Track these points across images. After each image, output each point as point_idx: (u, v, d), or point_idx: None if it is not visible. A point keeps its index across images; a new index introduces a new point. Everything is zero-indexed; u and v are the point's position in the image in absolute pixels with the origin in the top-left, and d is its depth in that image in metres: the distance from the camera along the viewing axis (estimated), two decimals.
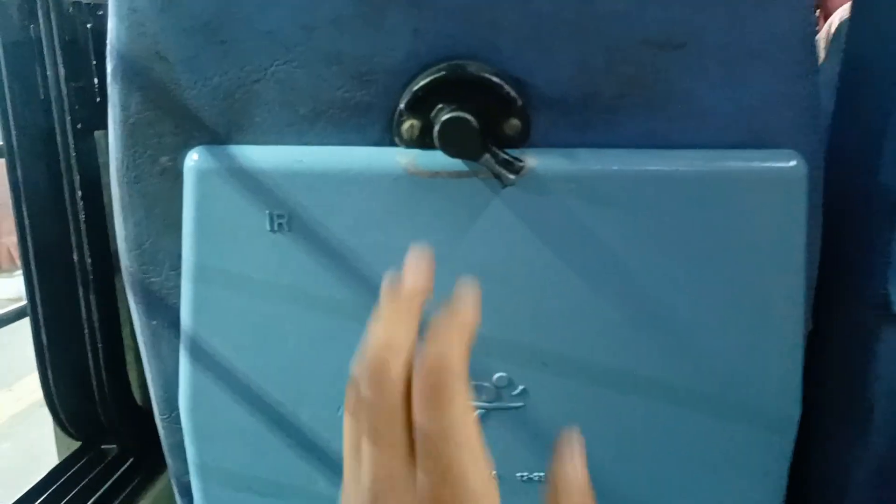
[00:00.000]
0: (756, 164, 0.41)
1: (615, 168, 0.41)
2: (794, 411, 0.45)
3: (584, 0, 0.40)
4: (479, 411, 0.45)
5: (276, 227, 0.42)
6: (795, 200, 0.42)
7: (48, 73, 0.58)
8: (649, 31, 0.40)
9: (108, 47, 0.41)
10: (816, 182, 0.44)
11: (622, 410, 0.45)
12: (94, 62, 0.59)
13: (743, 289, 0.43)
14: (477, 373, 0.45)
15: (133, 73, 0.41)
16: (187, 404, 0.46)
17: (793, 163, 0.41)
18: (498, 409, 0.45)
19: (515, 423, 0.46)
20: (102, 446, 0.66)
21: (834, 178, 0.47)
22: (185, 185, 0.42)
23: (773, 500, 0.48)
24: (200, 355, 0.44)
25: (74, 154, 0.59)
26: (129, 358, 0.64)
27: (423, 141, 0.41)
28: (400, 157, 0.41)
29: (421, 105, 0.40)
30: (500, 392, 0.45)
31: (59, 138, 0.59)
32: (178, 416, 0.47)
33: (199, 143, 0.42)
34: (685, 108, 0.42)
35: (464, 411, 0.25)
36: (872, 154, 0.47)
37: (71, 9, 0.59)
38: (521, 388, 0.45)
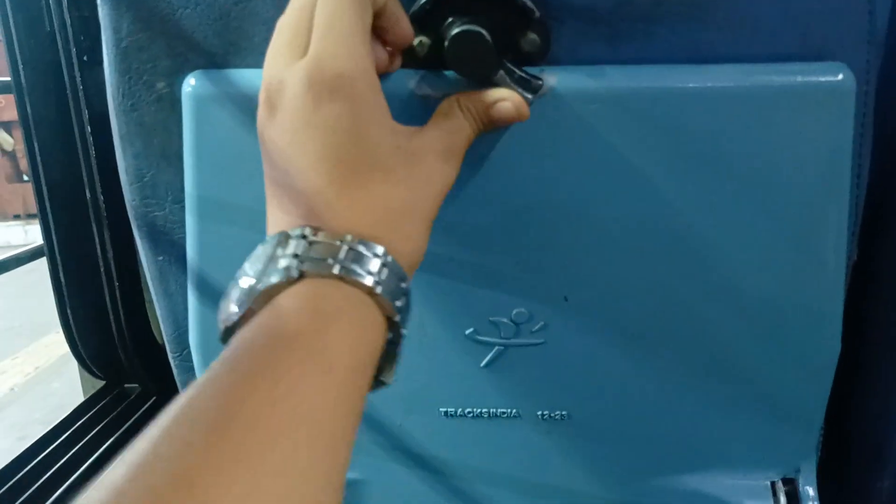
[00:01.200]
0: (799, 78, 0.38)
1: (644, 85, 0.38)
2: (834, 347, 0.42)
3: None
4: (497, 348, 0.43)
5: None
6: (842, 117, 0.38)
7: (52, 4, 0.56)
8: None
9: None
10: (867, 99, 0.40)
11: (649, 346, 0.43)
12: None
13: (783, 213, 0.40)
14: (496, 308, 0.43)
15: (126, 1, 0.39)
16: (198, 341, 0.45)
17: (840, 76, 0.37)
18: (517, 346, 0.43)
19: (535, 360, 0.44)
20: (125, 385, 0.66)
21: (887, 97, 0.43)
22: (184, 111, 0.40)
23: (809, 439, 0.45)
24: (208, 290, 0.43)
25: (81, 87, 0.57)
26: (148, 297, 0.63)
27: (433, 58, 0.38)
28: (408, 78, 0.38)
29: (430, 19, 0.37)
30: (520, 328, 0.43)
31: (65, 71, 0.57)
32: (189, 353, 0.46)
33: (196, 68, 0.40)
34: (728, 17, 0.38)
35: None
36: None
37: None
38: (541, 323, 0.43)
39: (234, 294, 0.28)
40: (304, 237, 0.29)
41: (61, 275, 0.60)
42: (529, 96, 0.37)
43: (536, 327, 0.43)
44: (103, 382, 0.66)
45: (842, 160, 0.39)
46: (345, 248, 0.28)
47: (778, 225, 0.40)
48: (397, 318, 0.29)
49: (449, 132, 0.35)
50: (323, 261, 0.28)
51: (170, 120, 0.41)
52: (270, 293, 0.27)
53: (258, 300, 0.27)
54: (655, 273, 0.41)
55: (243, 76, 0.39)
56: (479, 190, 0.40)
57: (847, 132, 0.38)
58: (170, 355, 0.49)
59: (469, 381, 0.45)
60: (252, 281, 0.28)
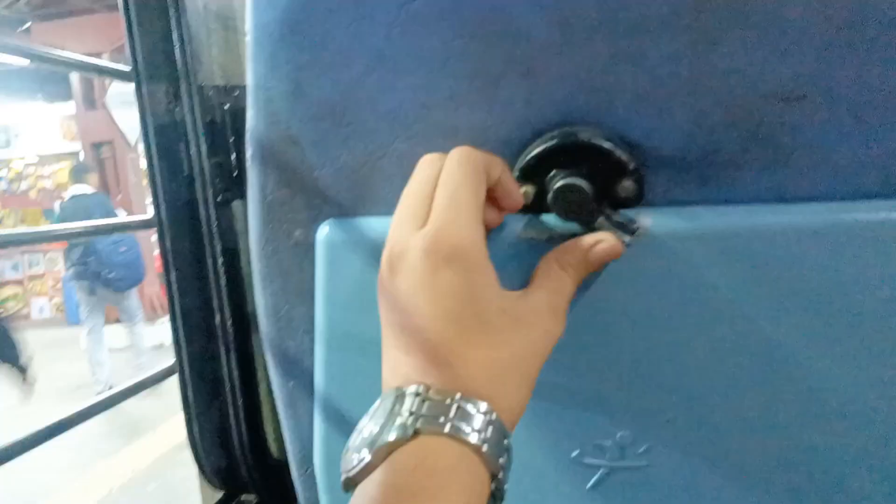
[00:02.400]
0: (879, 214, 0.40)
1: (735, 224, 0.41)
2: None
3: (701, 58, 0.40)
4: (601, 470, 0.45)
5: None
6: None
7: (191, 150, 0.64)
8: (770, 85, 0.40)
9: (248, 134, 0.45)
10: None
11: (751, 473, 0.44)
12: (231, 139, 0.65)
13: (878, 343, 0.41)
14: (601, 431, 0.45)
15: (269, 156, 0.45)
16: (322, 461, 0.48)
17: None
18: (622, 469, 0.45)
19: (640, 482, 0.45)
20: (242, 496, 0.70)
21: None
22: (317, 255, 0.45)
23: None
24: (333, 415, 0.47)
25: (216, 224, 0.64)
26: (266, 414, 0.68)
27: (538, 206, 0.42)
28: (515, 223, 0.43)
29: (534, 171, 0.42)
30: (624, 451, 0.45)
31: (201, 209, 0.64)
32: (313, 472, 0.49)
33: (329, 216, 0.45)
34: (811, 159, 0.41)
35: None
36: None
37: (211, 92, 0.64)
38: (645, 446, 0.45)
39: (356, 446, 0.32)
40: (418, 394, 0.32)
41: (189, 393, 0.65)
42: (627, 238, 0.41)
43: (641, 450, 0.45)
44: (222, 493, 0.70)
45: None
46: (455, 406, 0.32)
47: (875, 351, 0.41)
48: (500, 474, 0.32)
49: (552, 292, 0.38)
50: (435, 419, 0.31)
51: (304, 262, 0.46)
52: (389, 449, 0.31)
53: (378, 454, 0.31)
54: (751, 402, 0.43)
55: (369, 224, 0.44)
56: (584, 325, 0.43)
57: None
58: (294, 472, 0.52)
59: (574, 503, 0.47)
60: (373, 436, 0.32)
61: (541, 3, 0.40)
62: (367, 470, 0.31)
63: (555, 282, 0.39)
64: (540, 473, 0.46)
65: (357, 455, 0.32)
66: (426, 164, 0.40)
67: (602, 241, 0.40)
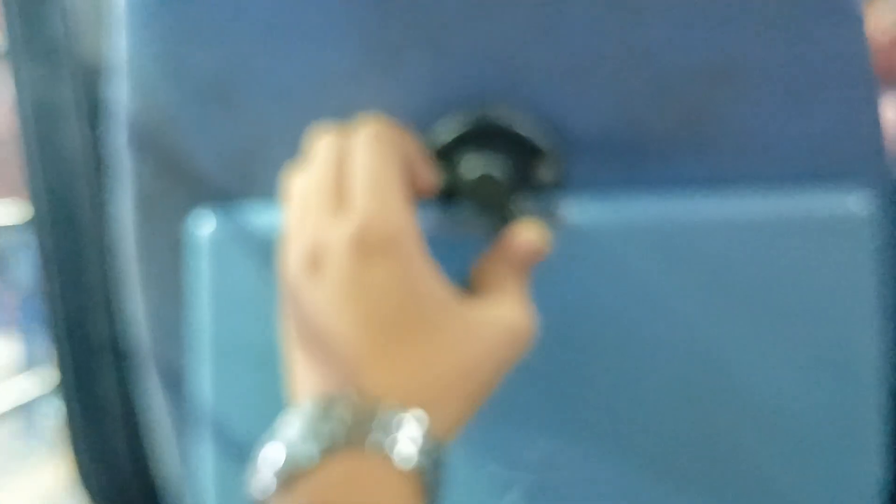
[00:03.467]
0: (816, 204, 0.37)
1: (658, 214, 0.38)
2: (876, 482, 0.40)
3: (624, 30, 0.36)
4: (521, 483, 0.41)
5: None
6: (860, 241, 0.37)
7: (73, 138, 0.58)
8: (698, 60, 0.37)
9: (116, 118, 0.40)
10: (886, 219, 0.39)
11: (680, 480, 0.41)
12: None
13: (811, 341, 0.38)
14: (520, 442, 0.41)
15: (145, 141, 0.39)
16: (211, 482, 0.43)
17: (854, 199, 0.37)
18: (541, 484, 0.41)
19: (561, 494, 0.41)
20: None
21: None
22: (191, 249, 0.39)
23: None
24: (226, 437, 0.41)
25: (98, 221, 0.58)
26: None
27: (447, 192, 0.38)
28: (421, 212, 0.38)
29: (443, 157, 0.37)
30: (546, 462, 0.41)
31: (83, 203, 0.58)
32: (195, 496, 0.44)
33: (212, 206, 0.40)
34: (741, 141, 0.38)
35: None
36: None
37: (96, 72, 0.58)
38: (566, 459, 0.41)
39: (266, 466, 0.27)
40: (334, 407, 0.28)
41: (72, 410, 0.59)
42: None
43: (563, 460, 0.41)
44: None
45: (866, 283, 0.38)
46: (380, 419, 0.27)
47: (807, 354, 0.38)
48: (433, 494, 0.29)
49: (514, 295, 0.34)
50: (355, 434, 0.27)
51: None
52: (301, 472, 0.27)
53: (288, 480, 0.27)
54: (682, 404, 0.39)
55: (256, 212, 0.39)
56: None
57: (866, 255, 0.37)
58: (182, 494, 0.47)
59: None
60: (283, 454, 0.27)
61: None
62: (277, 497, 0.27)
63: (513, 284, 0.34)
64: (459, 487, 0.42)
65: (266, 478, 0.27)
66: (328, 140, 0.35)
67: (530, 236, 0.36)
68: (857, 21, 0.38)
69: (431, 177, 0.36)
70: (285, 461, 0.27)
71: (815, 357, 0.38)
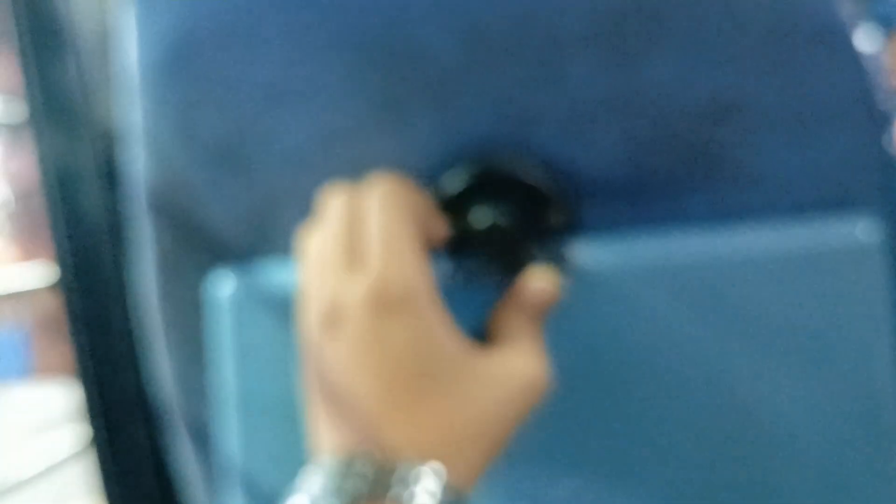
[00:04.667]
0: (825, 235, 0.37)
1: (668, 254, 0.38)
2: None
3: (623, 74, 0.37)
4: None
5: None
6: (871, 271, 0.37)
7: (93, 200, 0.59)
8: (697, 101, 0.37)
9: (134, 183, 0.41)
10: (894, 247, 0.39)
11: None
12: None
13: (830, 373, 0.38)
14: (543, 483, 0.41)
15: (162, 206, 0.40)
16: None
17: (866, 228, 0.37)
18: None
19: None
20: None
21: None
22: (210, 309, 0.40)
23: None
24: (253, 485, 0.42)
25: (123, 283, 0.59)
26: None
27: (457, 244, 0.38)
28: (433, 267, 0.39)
29: (452, 207, 0.38)
30: (572, 501, 0.41)
31: (106, 263, 0.59)
32: None
33: (229, 265, 0.41)
34: (745, 177, 0.38)
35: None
36: None
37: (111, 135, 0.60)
38: (591, 498, 0.41)
39: None
40: (355, 465, 0.28)
41: (106, 468, 0.60)
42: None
43: (589, 499, 0.41)
44: None
45: (879, 313, 0.37)
46: (400, 473, 0.28)
47: (826, 387, 0.38)
48: None
49: (529, 342, 0.34)
50: (379, 489, 0.27)
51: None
52: None
53: None
54: (702, 442, 0.39)
55: (274, 269, 0.40)
56: None
57: (878, 285, 0.37)
58: None
59: None
60: None
61: (447, 23, 0.37)
62: None
63: (525, 333, 0.35)
64: None
65: None
66: (340, 199, 0.35)
67: (541, 282, 0.36)
68: (850, 51, 0.38)
69: (443, 229, 0.36)
70: None
71: (834, 389, 0.38)
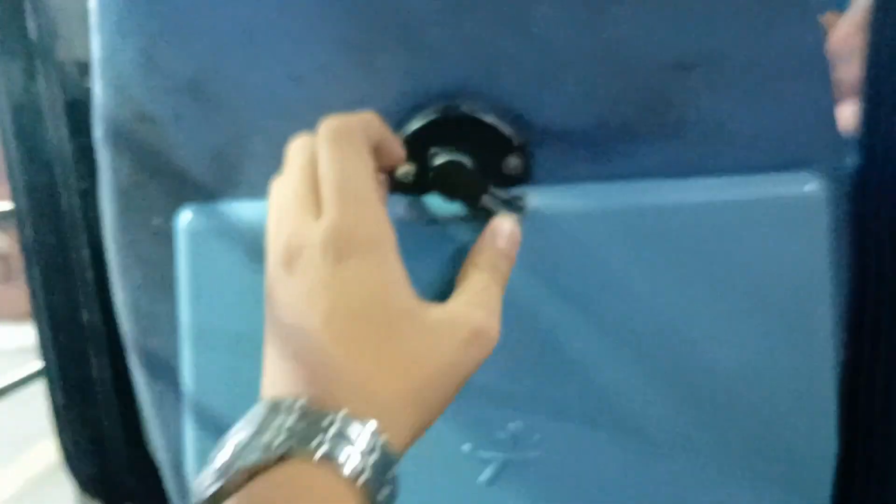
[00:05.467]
0: (772, 190, 0.39)
1: (623, 202, 0.39)
2: (830, 447, 0.42)
3: (589, 25, 0.38)
4: (495, 463, 0.43)
5: None
6: (815, 225, 0.39)
7: (51, 133, 0.58)
8: (661, 54, 0.38)
9: (95, 113, 0.40)
10: (840, 205, 0.41)
11: (644, 454, 0.43)
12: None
13: (767, 320, 0.40)
14: (492, 423, 0.43)
15: (121, 136, 0.40)
16: (195, 467, 0.44)
17: (810, 187, 0.39)
18: (515, 461, 0.43)
19: (533, 473, 0.43)
20: None
21: (865, 200, 0.44)
22: (178, 245, 0.41)
23: None
24: (206, 419, 0.43)
25: (80, 212, 0.58)
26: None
27: (419, 185, 0.39)
28: (394, 203, 0.40)
29: (415, 148, 0.39)
30: (517, 442, 0.43)
31: (63, 197, 0.59)
32: (184, 478, 0.46)
33: (191, 202, 0.41)
34: (702, 132, 0.40)
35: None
36: None
37: (72, 68, 0.59)
38: (538, 436, 0.43)
39: (215, 465, 0.27)
40: (293, 409, 0.28)
41: (59, 398, 0.60)
42: (515, 217, 0.38)
43: (534, 439, 0.43)
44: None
45: (820, 264, 0.40)
46: (335, 426, 0.27)
47: (765, 328, 0.40)
48: None
49: (475, 296, 0.34)
50: (308, 440, 0.27)
51: (167, 253, 0.42)
52: (248, 473, 0.26)
53: (233, 478, 0.26)
54: (647, 384, 0.41)
55: (236, 208, 0.40)
56: None
57: (822, 238, 0.39)
58: (167, 479, 0.48)
59: (469, 498, 0.44)
60: (234, 453, 0.27)
61: None
62: (220, 497, 0.26)
63: (476, 284, 0.35)
64: (432, 468, 0.44)
65: (212, 476, 0.27)
66: (300, 148, 0.35)
67: (504, 227, 0.36)
68: (811, 15, 0.39)
69: (400, 154, 0.37)
70: (229, 462, 0.27)
71: (774, 328, 0.40)
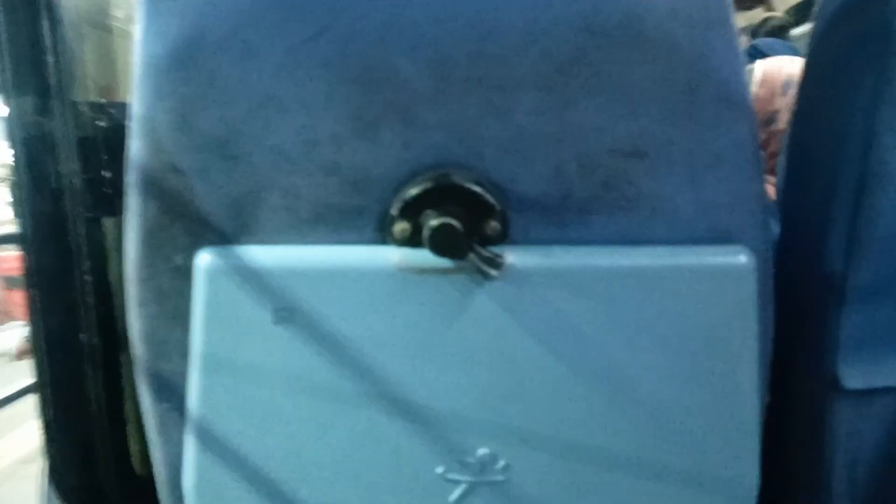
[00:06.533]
0: (709, 260, 0.47)
1: (585, 263, 0.46)
2: (753, 481, 0.49)
3: (560, 115, 0.45)
4: (463, 485, 0.49)
5: (278, 321, 0.46)
6: (745, 290, 0.47)
7: (61, 165, 0.63)
8: (619, 142, 0.46)
9: (129, 161, 0.46)
10: (766, 271, 0.49)
11: (596, 482, 0.49)
12: (105, 156, 0.64)
13: (702, 368, 0.48)
14: (463, 449, 0.49)
15: (150, 184, 0.46)
16: (193, 484, 0.49)
17: (742, 258, 0.46)
18: (482, 484, 0.49)
19: (498, 496, 0.49)
20: None
21: (785, 264, 0.52)
22: (196, 281, 0.46)
23: None
24: (207, 440, 0.48)
25: (84, 240, 0.63)
26: (131, 432, 0.67)
27: (413, 241, 0.45)
28: (391, 255, 0.46)
29: (411, 210, 0.45)
30: (485, 467, 0.49)
31: (69, 225, 0.63)
32: (181, 495, 0.50)
33: (209, 244, 0.46)
34: (650, 207, 0.47)
35: None
36: (816, 242, 0.53)
37: (85, 108, 0.63)
38: (503, 462, 0.49)
39: None
40: None
41: (50, 411, 0.64)
42: (494, 272, 0.45)
43: (499, 466, 0.49)
44: None
45: (747, 324, 0.47)
46: None
47: (699, 377, 0.48)
48: None
49: None
50: None
51: (183, 287, 0.47)
52: None
53: None
54: (599, 420, 0.48)
55: (249, 252, 0.46)
56: (451, 350, 0.47)
57: (750, 301, 0.47)
58: (164, 495, 0.53)
59: None
60: None
61: (419, 56, 0.43)
62: None
63: None
64: (405, 490, 0.49)
65: None
66: None
67: None
68: (748, 111, 0.47)
69: None
70: None
71: (706, 374, 0.47)
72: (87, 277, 0.64)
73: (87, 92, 0.63)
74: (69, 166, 0.63)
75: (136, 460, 0.69)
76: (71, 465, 0.66)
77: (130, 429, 0.69)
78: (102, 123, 0.64)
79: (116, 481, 0.67)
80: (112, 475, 0.66)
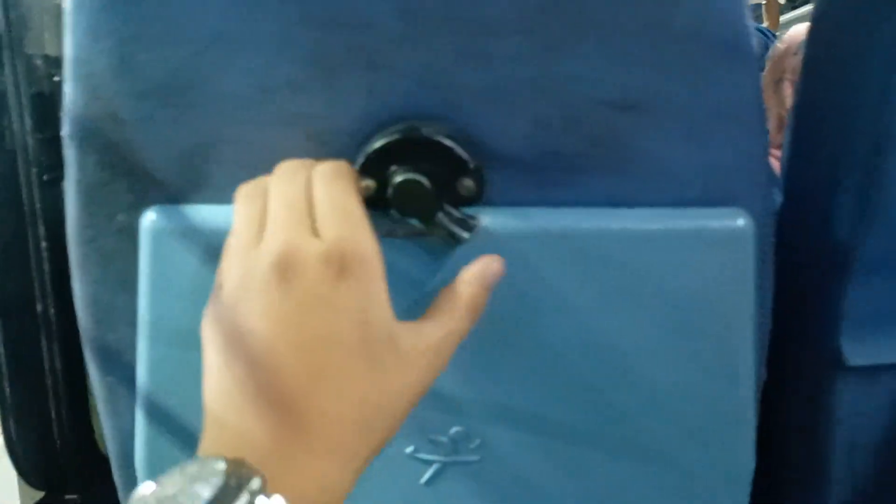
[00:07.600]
0: (705, 223, 0.42)
1: (566, 226, 0.42)
2: (748, 462, 0.45)
3: (543, 62, 0.40)
4: (435, 465, 0.46)
5: None
6: (742, 256, 0.43)
7: (14, 124, 0.59)
8: (608, 93, 0.41)
9: (65, 109, 0.42)
10: (766, 238, 0.45)
11: (577, 462, 0.45)
12: (61, 113, 0.60)
13: (694, 341, 0.44)
14: (434, 427, 0.45)
15: (89, 135, 0.41)
16: (144, 459, 0.46)
17: (740, 221, 0.42)
18: (455, 463, 0.45)
19: (473, 476, 0.46)
20: (66, 496, 0.65)
21: (787, 235, 0.48)
22: (141, 243, 0.42)
23: None
24: (156, 412, 0.44)
25: (40, 204, 0.59)
26: (94, 408, 0.64)
27: (378, 200, 0.41)
28: None
29: (375, 166, 0.41)
30: (457, 446, 0.45)
31: (23, 189, 0.59)
32: (133, 470, 0.47)
33: (156, 203, 0.42)
34: (643, 167, 0.43)
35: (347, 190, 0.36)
36: (822, 211, 0.48)
37: (39, 61, 0.59)
38: (477, 441, 0.45)
39: None
40: (216, 473, 0.28)
41: (6, 385, 0.60)
42: (466, 235, 0.41)
43: (473, 445, 0.45)
44: (42, 494, 0.65)
45: (744, 293, 0.43)
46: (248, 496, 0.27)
47: (690, 349, 0.44)
48: None
49: (447, 331, 0.36)
50: None
51: (128, 249, 0.43)
52: None
53: None
54: (582, 395, 0.44)
55: (200, 211, 0.42)
56: (418, 317, 0.43)
57: (748, 269, 0.43)
58: (115, 471, 0.49)
59: (410, 497, 0.47)
60: None
61: None
62: None
63: (453, 321, 0.37)
64: (375, 469, 0.46)
65: None
66: (296, 170, 0.38)
67: (496, 267, 0.40)
68: (752, 64, 0.43)
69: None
70: None
71: (699, 347, 0.43)
72: (44, 243, 0.60)
73: (41, 44, 0.59)
74: (22, 125, 0.59)
75: (99, 437, 0.66)
76: (29, 443, 0.63)
77: (94, 405, 0.66)
78: (59, 78, 0.59)
79: (78, 459, 0.64)
80: (72, 452, 0.63)
